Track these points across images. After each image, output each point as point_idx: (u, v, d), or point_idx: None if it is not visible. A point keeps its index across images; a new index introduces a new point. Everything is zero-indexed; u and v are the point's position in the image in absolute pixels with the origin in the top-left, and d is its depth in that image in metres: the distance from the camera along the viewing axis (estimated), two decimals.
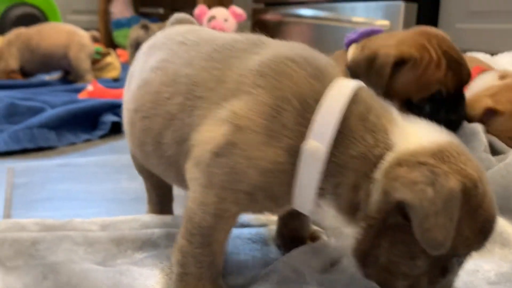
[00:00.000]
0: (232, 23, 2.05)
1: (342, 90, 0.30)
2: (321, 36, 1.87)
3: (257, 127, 0.30)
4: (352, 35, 0.74)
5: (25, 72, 1.53)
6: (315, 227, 0.45)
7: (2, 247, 0.39)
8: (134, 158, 0.47)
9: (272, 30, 2.15)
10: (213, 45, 0.35)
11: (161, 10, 2.76)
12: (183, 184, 0.36)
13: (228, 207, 0.32)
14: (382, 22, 1.49)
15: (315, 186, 0.30)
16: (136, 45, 1.71)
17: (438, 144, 0.28)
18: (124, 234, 0.41)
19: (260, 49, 0.34)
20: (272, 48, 0.33)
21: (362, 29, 0.74)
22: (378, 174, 0.29)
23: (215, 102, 0.32)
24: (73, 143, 0.81)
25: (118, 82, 1.54)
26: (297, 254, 0.38)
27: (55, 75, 1.59)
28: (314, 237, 0.44)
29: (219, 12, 2.04)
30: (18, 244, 0.39)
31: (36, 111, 0.85)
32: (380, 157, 0.29)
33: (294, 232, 0.43)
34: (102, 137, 0.86)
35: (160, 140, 0.36)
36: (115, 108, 0.93)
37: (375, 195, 0.28)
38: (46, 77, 1.60)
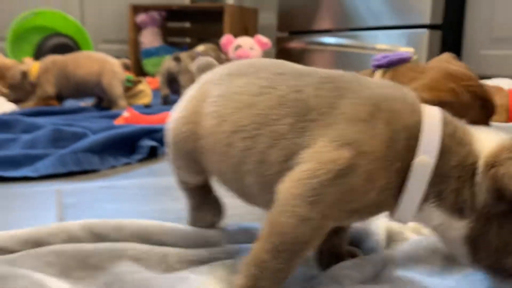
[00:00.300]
0: (257, 51, 2.12)
1: (434, 117, 0.38)
2: (345, 63, 1.92)
3: (378, 153, 0.36)
4: (381, 59, 0.75)
5: (60, 98, 1.61)
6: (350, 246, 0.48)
7: (64, 258, 0.42)
8: (181, 177, 0.51)
9: (296, 57, 2.21)
10: (317, 76, 0.41)
11: (188, 40, 2.86)
12: (269, 203, 0.39)
13: (329, 224, 0.37)
14: (407, 50, 1.53)
15: (421, 194, 0.37)
16: (167, 75, 1.79)
17: (506, 141, 0.36)
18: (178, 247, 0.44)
19: (364, 84, 0.40)
20: (377, 85, 0.40)
21: (391, 54, 0.76)
22: (479, 178, 0.36)
23: (327, 126, 0.37)
24: (114, 166, 0.86)
25: (149, 108, 1.61)
26: (339, 268, 0.41)
27: (89, 102, 1.67)
28: (352, 254, 0.46)
29: (245, 41, 2.11)
30: (79, 255, 0.43)
31: (80, 136, 0.91)
32: (474, 163, 0.36)
33: (333, 249, 0.46)
34: (141, 160, 0.91)
35: (263, 159, 0.39)
36: (152, 133, 0.98)
37: (480, 195, 0.36)
38: (81, 104, 1.68)
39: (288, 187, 0.36)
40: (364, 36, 1.77)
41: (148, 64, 2.46)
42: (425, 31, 1.45)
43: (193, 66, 0.51)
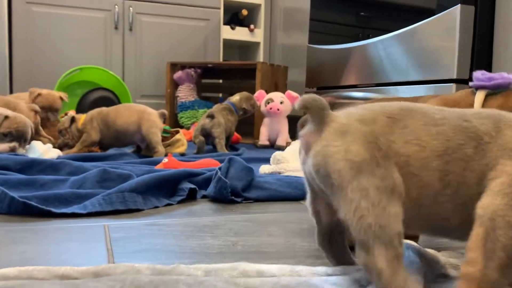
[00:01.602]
0: (287, 105, 2.20)
1: None
2: None
3: None
4: (482, 79, 0.71)
5: (101, 146, 1.71)
6: None
7: (124, 284, 0.45)
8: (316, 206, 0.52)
9: None
10: (467, 111, 0.48)
11: (220, 94, 2.99)
12: (458, 230, 0.46)
13: None
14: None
15: None
16: (202, 130, 1.87)
17: None
18: (226, 279, 0.47)
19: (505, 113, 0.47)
20: None
21: (496, 76, 0.72)
22: None
23: (501, 148, 0.44)
24: (156, 207, 0.90)
25: (184, 156, 1.68)
26: None
27: (127, 150, 1.75)
28: None
29: (276, 95, 2.20)
30: (138, 286, 0.46)
31: (125, 177, 0.96)
32: None
33: None
34: (180, 202, 0.95)
35: (461, 180, 0.45)
36: (191, 176, 1.03)
37: None
38: (120, 150, 1.76)
39: (491, 200, 0.41)
40: (390, 90, 1.82)
41: (183, 117, 2.57)
42: (452, 85, 1.49)
43: (297, 103, 0.48)
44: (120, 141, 1.66)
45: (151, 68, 2.87)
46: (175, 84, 2.69)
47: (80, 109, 2.47)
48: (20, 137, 1.37)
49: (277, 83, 2.49)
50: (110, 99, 2.55)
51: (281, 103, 2.18)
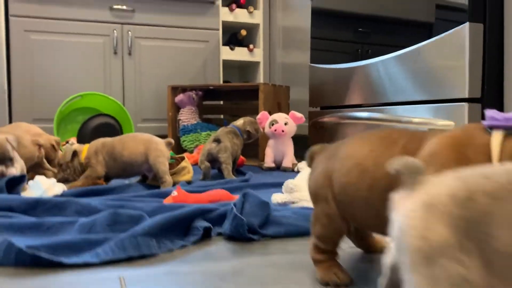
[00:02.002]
0: (292, 126, 2.17)
1: None
2: None
3: None
4: (499, 119, 0.65)
5: (107, 178, 1.66)
6: None
7: None
8: None
9: (329, 131, 2.24)
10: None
11: (222, 116, 2.96)
12: None
13: None
14: (446, 123, 1.53)
15: None
16: (208, 155, 1.84)
17: None
18: None
19: None
20: None
21: (504, 114, 0.67)
22: None
23: None
24: (171, 250, 0.86)
25: (191, 184, 1.64)
26: None
27: (133, 180, 1.71)
28: None
29: (280, 116, 2.17)
30: None
31: (137, 219, 0.92)
32: None
33: None
34: (195, 242, 0.90)
35: None
36: (205, 214, 0.98)
37: None
38: (126, 181, 1.71)
39: None
40: (398, 110, 1.79)
41: (186, 140, 2.54)
42: (464, 105, 1.46)
43: (391, 166, 0.44)
44: (127, 173, 1.62)
45: (152, 92, 2.84)
46: (177, 107, 2.66)
47: (81, 136, 2.43)
48: (1, 159, 1.29)
49: (280, 103, 2.46)
50: (112, 125, 2.51)
51: (286, 124, 2.14)
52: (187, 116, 2.59)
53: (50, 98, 2.63)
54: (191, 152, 2.51)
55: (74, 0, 2.65)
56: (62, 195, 1.35)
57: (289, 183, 1.22)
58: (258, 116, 2.19)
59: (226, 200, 1.23)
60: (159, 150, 1.58)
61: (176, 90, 2.66)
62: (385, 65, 1.84)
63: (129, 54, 2.79)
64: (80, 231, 0.92)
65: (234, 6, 3.05)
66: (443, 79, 1.55)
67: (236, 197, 1.24)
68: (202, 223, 0.94)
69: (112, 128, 2.51)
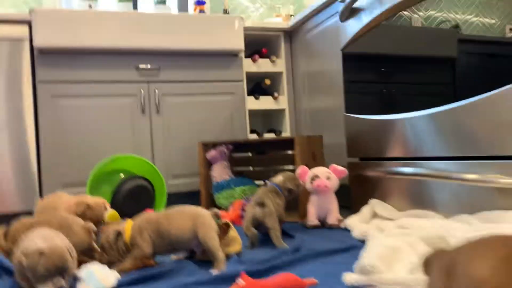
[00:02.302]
0: (334, 180, 2.10)
1: None
2: (428, 194, 1.85)
3: None
4: None
5: (152, 254, 1.58)
6: None
7: None
8: None
9: (372, 185, 2.17)
10: None
11: (250, 168, 2.90)
12: None
13: None
14: (505, 180, 1.46)
15: None
16: (253, 221, 1.77)
17: None
18: None
19: None
20: None
21: None
22: None
23: None
24: None
25: (240, 255, 1.57)
26: None
27: (180, 255, 1.64)
28: None
29: (321, 171, 2.11)
30: None
31: None
32: None
33: None
34: None
35: None
36: None
37: None
38: (172, 257, 1.64)
39: None
40: (449, 166, 1.72)
41: (220, 197, 2.47)
42: None
43: None
44: (175, 250, 1.55)
45: (180, 148, 2.81)
46: (208, 163, 2.61)
47: (115, 200, 2.38)
48: (61, 271, 1.22)
49: (315, 154, 2.41)
50: (144, 187, 2.46)
51: (328, 178, 2.08)
52: (220, 172, 2.54)
53: (79, 162, 2.60)
54: (226, 209, 2.44)
55: (101, 63, 2.66)
56: (119, 285, 1.28)
57: (365, 263, 1.15)
58: (298, 171, 2.13)
59: (296, 287, 1.16)
60: (208, 225, 1.52)
61: (206, 146, 2.62)
62: (431, 118, 1.79)
63: (157, 112, 2.77)
64: None
65: (256, 57, 3.05)
66: (498, 133, 1.49)
67: (307, 282, 1.17)
68: None
69: (145, 190, 2.46)
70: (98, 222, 1.71)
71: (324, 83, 2.71)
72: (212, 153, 2.56)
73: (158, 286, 1.28)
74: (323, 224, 2.11)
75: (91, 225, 1.50)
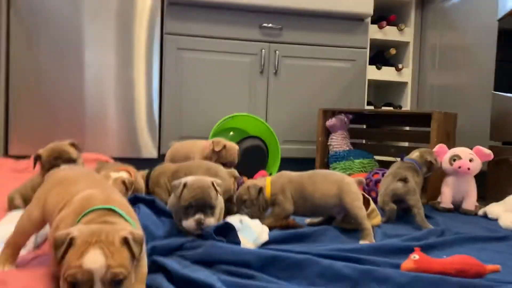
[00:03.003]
0: (477, 163, 1.91)
1: None
2: None
3: None
4: None
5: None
6: None
7: None
8: None
9: None
10: None
11: (363, 141, 2.75)
12: None
13: None
14: None
15: None
16: (393, 197, 1.65)
17: None
18: None
19: None
20: None
21: None
22: None
23: None
24: None
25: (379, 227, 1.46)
26: None
27: (315, 219, 1.57)
28: None
29: (464, 152, 1.92)
30: None
31: None
32: None
33: None
34: None
35: None
36: None
37: None
38: (307, 220, 1.58)
39: None
40: None
41: (337, 168, 2.37)
42: None
43: None
44: (316, 214, 1.48)
45: (295, 113, 2.72)
46: (327, 132, 2.51)
47: None
48: (203, 205, 1.17)
49: (449, 133, 2.20)
50: (260, 148, 2.43)
51: (470, 160, 1.89)
52: (339, 142, 2.42)
53: (197, 116, 2.61)
54: None
55: (226, 19, 2.62)
56: (268, 242, 1.23)
57: None
58: (435, 149, 1.95)
59: (478, 272, 1.03)
60: (354, 193, 1.42)
61: (326, 113, 2.51)
62: None
63: (275, 73, 2.70)
64: None
65: (384, 23, 2.84)
66: None
67: (490, 268, 1.04)
68: None
69: (261, 151, 2.42)
70: (231, 166, 1.69)
71: (464, 57, 2.45)
72: (332, 121, 2.45)
73: (306, 247, 1.21)
74: (457, 209, 1.93)
75: (235, 172, 1.47)
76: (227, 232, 1.15)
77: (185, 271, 0.90)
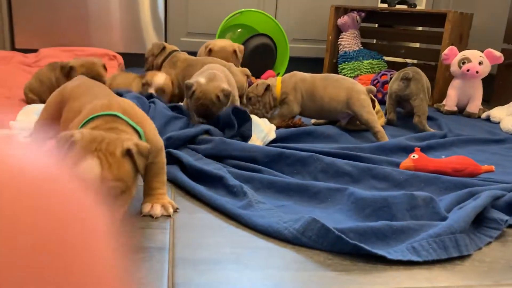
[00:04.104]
0: (486, 66, 1.89)
1: None
2: None
3: None
4: None
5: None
6: None
7: None
8: None
9: None
10: None
11: (374, 41, 2.69)
12: None
13: None
14: None
15: None
16: (395, 97, 1.66)
17: None
18: None
19: None
20: None
21: None
22: None
23: None
24: (479, 248, 0.76)
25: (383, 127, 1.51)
26: None
27: (320, 120, 1.61)
28: None
29: (473, 54, 1.89)
30: None
31: (433, 204, 0.82)
32: None
33: None
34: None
35: None
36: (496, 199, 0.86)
37: None
38: (312, 120, 1.62)
39: None
40: None
41: (345, 68, 2.35)
42: None
43: None
44: (321, 116, 1.52)
45: (305, 9, 2.62)
46: (338, 30, 2.44)
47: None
48: (204, 114, 1.25)
49: (462, 35, 2.15)
50: (269, 47, 2.39)
51: (480, 63, 1.87)
52: (349, 42, 2.37)
53: (204, 12, 2.53)
54: None
55: None
56: (275, 140, 1.29)
57: None
58: (445, 52, 1.93)
59: (473, 171, 1.09)
60: (363, 100, 1.44)
61: (339, 10, 2.42)
62: None
63: None
64: (361, 207, 0.84)
65: None
66: None
67: (485, 168, 1.10)
68: (499, 215, 0.82)
69: (269, 49, 2.39)
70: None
71: None
72: (344, 19, 2.37)
73: (311, 144, 1.28)
74: (460, 112, 1.96)
75: (247, 70, 1.49)
76: (243, 121, 1.21)
77: (198, 163, 0.97)
